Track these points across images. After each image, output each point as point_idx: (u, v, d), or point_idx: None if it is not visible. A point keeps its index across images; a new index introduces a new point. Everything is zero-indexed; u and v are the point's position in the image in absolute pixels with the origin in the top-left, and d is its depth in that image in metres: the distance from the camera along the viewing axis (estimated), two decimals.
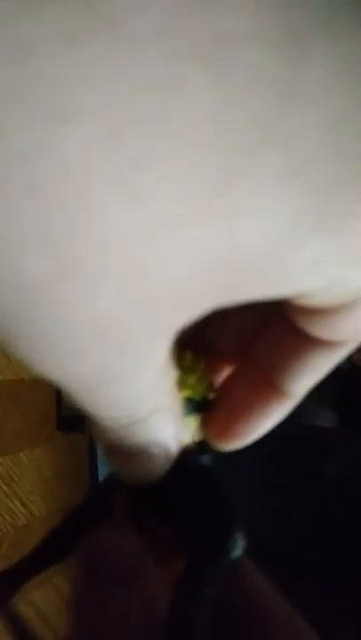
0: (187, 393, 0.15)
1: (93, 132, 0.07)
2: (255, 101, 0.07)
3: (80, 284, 0.08)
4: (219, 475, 0.16)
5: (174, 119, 0.07)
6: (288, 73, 0.07)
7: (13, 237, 0.07)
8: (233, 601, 0.15)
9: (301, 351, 0.13)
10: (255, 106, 0.07)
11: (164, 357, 0.11)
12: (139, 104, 0.07)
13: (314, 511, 0.54)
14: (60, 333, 0.09)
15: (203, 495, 0.16)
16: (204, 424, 0.16)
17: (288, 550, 0.53)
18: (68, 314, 0.08)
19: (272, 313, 0.14)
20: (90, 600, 0.14)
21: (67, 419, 0.63)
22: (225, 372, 0.16)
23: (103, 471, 0.61)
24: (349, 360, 0.49)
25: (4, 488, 0.57)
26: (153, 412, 0.12)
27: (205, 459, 0.16)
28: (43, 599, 0.53)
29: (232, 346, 0.16)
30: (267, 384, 0.15)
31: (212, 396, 0.16)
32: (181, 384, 0.14)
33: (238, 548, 0.15)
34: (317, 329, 0.12)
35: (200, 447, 0.16)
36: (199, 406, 0.15)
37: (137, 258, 0.08)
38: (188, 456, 0.15)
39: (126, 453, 0.13)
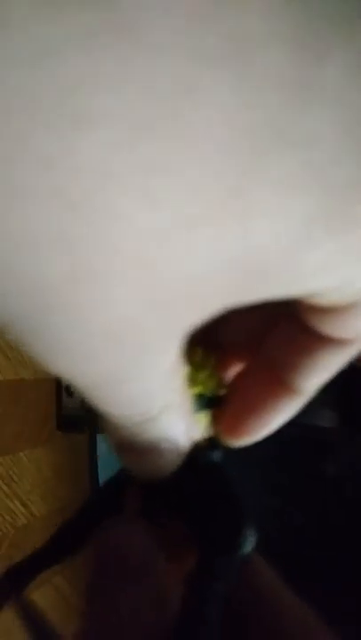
0: (197, 389, 0.15)
1: (111, 134, 0.07)
2: (271, 103, 0.07)
3: (95, 286, 0.08)
4: (229, 471, 0.16)
5: (190, 121, 0.07)
6: (305, 75, 0.07)
7: (31, 239, 0.07)
8: (243, 596, 0.15)
9: (312, 350, 0.13)
10: (271, 108, 0.07)
11: (175, 356, 0.11)
12: (156, 107, 0.07)
13: (314, 511, 0.54)
14: (74, 336, 0.09)
15: (213, 491, 0.16)
16: (215, 420, 0.16)
17: (289, 550, 0.53)
18: (83, 316, 0.09)
19: (282, 311, 0.14)
20: (101, 596, 0.14)
21: (67, 419, 0.63)
22: (235, 369, 0.16)
23: (103, 471, 0.61)
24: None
25: (4, 488, 0.57)
26: (164, 410, 0.12)
27: (216, 455, 0.16)
28: (43, 599, 0.53)
29: (242, 343, 0.16)
30: (277, 381, 0.15)
31: (222, 392, 0.16)
32: (192, 380, 0.15)
33: (249, 543, 0.15)
34: (328, 327, 0.12)
35: (210, 443, 0.16)
36: (209, 403, 0.15)
37: (151, 259, 0.08)
38: (199, 452, 0.15)
39: (138, 450, 0.13)
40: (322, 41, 0.07)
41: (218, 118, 0.07)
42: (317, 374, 0.14)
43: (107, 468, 0.61)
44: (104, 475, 0.60)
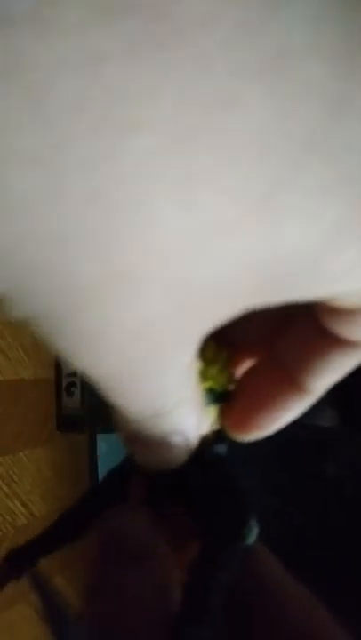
0: (207, 384, 0.15)
1: (153, 142, 0.07)
2: (306, 115, 0.07)
3: (127, 286, 0.08)
4: (231, 465, 0.16)
5: (229, 131, 0.07)
6: (340, 87, 0.07)
7: (67, 239, 0.08)
8: (247, 585, 0.15)
9: (326, 351, 0.14)
10: (306, 119, 0.07)
11: (193, 354, 0.11)
12: (197, 117, 0.07)
13: (314, 511, 0.54)
14: (101, 333, 0.09)
15: (218, 484, 0.16)
16: (223, 415, 0.16)
17: (289, 550, 0.53)
18: (114, 315, 0.09)
19: (297, 311, 0.15)
20: (104, 580, 0.14)
21: (67, 419, 0.63)
22: (245, 365, 0.16)
23: (103, 471, 0.61)
24: None
25: (4, 488, 0.57)
26: (177, 405, 0.13)
27: (220, 448, 0.16)
28: None
29: (254, 340, 0.16)
30: (287, 380, 0.15)
31: (231, 387, 0.16)
32: (203, 375, 0.15)
33: (253, 534, 0.15)
34: (345, 329, 0.12)
35: (217, 436, 0.16)
36: (219, 397, 0.15)
37: (185, 263, 0.08)
38: (206, 446, 0.15)
39: (147, 443, 0.14)
40: (358, 54, 0.07)
41: (253, 129, 0.07)
42: (329, 375, 0.14)
43: (107, 468, 0.61)
44: (104, 475, 0.60)
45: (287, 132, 0.07)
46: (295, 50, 0.07)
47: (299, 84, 0.07)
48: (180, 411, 0.13)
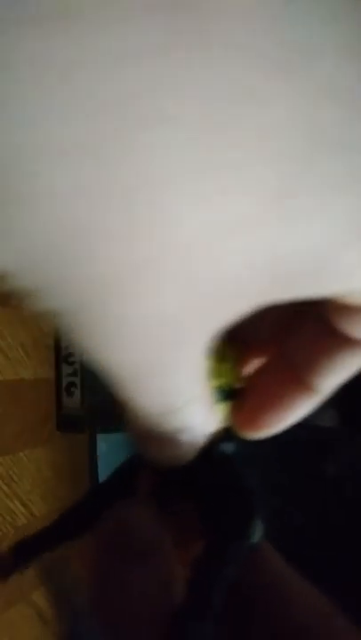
0: (217, 382, 0.15)
1: (173, 138, 0.07)
2: (321, 112, 0.07)
3: (146, 282, 0.08)
4: (239, 463, 0.16)
5: (246, 127, 0.07)
6: (357, 85, 0.07)
7: (95, 232, 0.08)
8: (252, 582, 0.15)
9: (335, 351, 0.14)
10: (321, 116, 0.07)
11: (205, 351, 0.11)
12: (216, 112, 0.07)
13: (314, 511, 0.54)
14: (118, 328, 0.09)
15: (226, 482, 0.16)
16: (231, 413, 0.16)
17: (289, 550, 0.53)
18: (133, 310, 0.09)
19: (307, 311, 0.15)
20: (110, 577, 0.14)
21: (67, 419, 0.63)
22: (254, 364, 0.16)
23: (103, 471, 0.61)
24: None
25: (4, 488, 0.57)
26: (188, 402, 0.13)
27: (228, 446, 0.16)
28: (43, 599, 0.53)
29: (264, 339, 0.16)
30: (296, 379, 0.15)
31: (240, 385, 0.16)
32: (213, 373, 0.15)
33: (258, 532, 0.15)
34: (356, 329, 0.13)
35: (225, 434, 0.16)
36: (228, 395, 0.15)
37: (202, 259, 0.08)
38: (214, 444, 0.15)
39: (157, 439, 0.14)
40: None
41: (270, 125, 0.07)
42: (337, 375, 0.14)
43: (107, 468, 0.61)
44: (104, 475, 0.60)
45: (302, 127, 0.07)
46: (315, 47, 0.07)
47: (316, 82, 0.07)
48: (190, 408, 0.13)
